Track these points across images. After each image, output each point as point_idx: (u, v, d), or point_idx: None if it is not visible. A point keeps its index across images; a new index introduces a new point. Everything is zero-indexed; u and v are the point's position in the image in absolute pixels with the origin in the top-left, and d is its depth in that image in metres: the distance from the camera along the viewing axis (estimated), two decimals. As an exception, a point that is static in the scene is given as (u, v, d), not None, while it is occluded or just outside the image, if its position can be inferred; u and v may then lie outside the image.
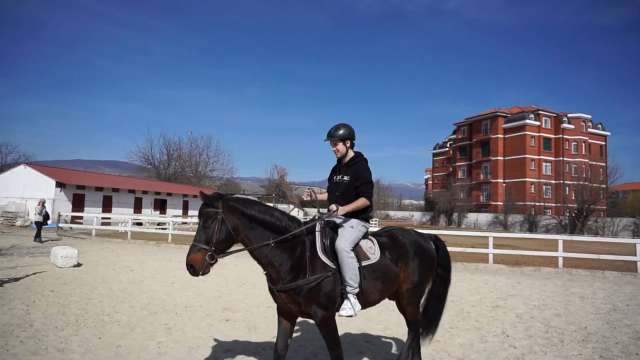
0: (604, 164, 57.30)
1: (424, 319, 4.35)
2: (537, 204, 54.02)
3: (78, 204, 30.08)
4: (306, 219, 4.02)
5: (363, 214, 4.00)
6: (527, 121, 63.40)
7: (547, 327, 6.45)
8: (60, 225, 23.44)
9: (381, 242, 4.04)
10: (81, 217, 27.50)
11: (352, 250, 3.75)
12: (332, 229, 3.90)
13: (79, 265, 11.17)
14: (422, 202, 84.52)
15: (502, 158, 65.82)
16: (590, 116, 67.34)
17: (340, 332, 4.99)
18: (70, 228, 24.73)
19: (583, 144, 65.17)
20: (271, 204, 3.90)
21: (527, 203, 58.32)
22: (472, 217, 57.44)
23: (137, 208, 35.51)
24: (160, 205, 38.52)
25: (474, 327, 6.32)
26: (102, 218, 26.74)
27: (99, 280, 9.28)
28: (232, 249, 3.64)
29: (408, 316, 4.22)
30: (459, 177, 72.28)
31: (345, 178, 4.05)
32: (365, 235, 4.02)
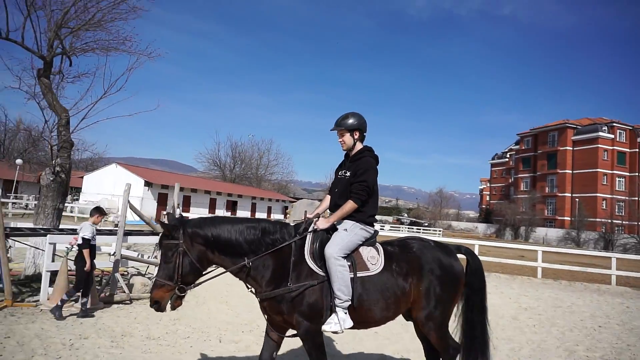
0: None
1: (463, 352, 3.64)
2: (614, 221, 51.21)
3: (162, 202, 32.80)
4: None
5: (361, 215, 3.49)
6: (600, 133, 60.33)
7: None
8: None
9: (389, 253, 3.53)
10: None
11: (344, 257, 3.30)
12: (326, 231, 3.46)
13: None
14: (468, 213, 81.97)
15: (570, 171, 63.01)
16: (671, 129, 62.93)
17: (353, 350, 5.24)
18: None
19: (662, 159, 61.04)
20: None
21: (598, 219, 55.45)
22: (541, 231, 55.28)
23: (212, 208, 38.01)
24: (232, 207, 40.89)
25: None
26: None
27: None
28: (208, 276, 3.32)
29: (434, 345, 3.59)
30: (521, 189, 69.93)
31: (347, 174, 3.58)
32: (371, 242, 3.55)
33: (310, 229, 3.42)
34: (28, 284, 7.46)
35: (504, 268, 16.83)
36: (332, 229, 3.47)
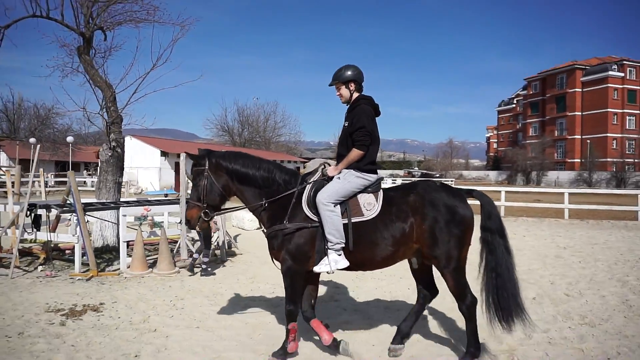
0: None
1: (487, 302, 3.56)
2: (626, 160, 51.25)
3: (179, 171, 33.18)
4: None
5: (356, 163, 3.62)
6: (610, 72, 59.20)
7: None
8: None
9: (389, 197, 3.64)
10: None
11: (334, 203, 3.48)
12: (327, 180, 3.66)
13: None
14: (473, 162, 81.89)
15: (579, 113, 62.38)
16: (683, 62, 61.63)
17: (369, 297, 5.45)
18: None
19: (674, 94, 60.17)
20: None
21: (608, 159, 55.48)
22: (552, 175, 55.42)
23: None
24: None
25: None
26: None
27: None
28: (231, 207, 3.95)
29: (451, 291, 3.63)
30: (530, 134, 69.63)
31: (346, 124, 3.76)
32: (374, 188, 3.66)
33: (317, 177, 3.68)
34: (99, 256, 7.88)
35: (529, 212, 17.24)
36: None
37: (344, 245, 3.46)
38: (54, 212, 7.04)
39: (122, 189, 8.38)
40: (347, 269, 3.56)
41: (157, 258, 7.09)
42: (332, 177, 3.64)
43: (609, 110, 59.24)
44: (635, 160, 54.58)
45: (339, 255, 3.45)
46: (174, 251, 7.67)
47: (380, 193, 3.66)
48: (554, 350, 3.97)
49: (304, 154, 78.56)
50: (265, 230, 3.74)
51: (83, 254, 6.78)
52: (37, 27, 8.34)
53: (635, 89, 60.50)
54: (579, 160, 59.95)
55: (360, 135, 3.58)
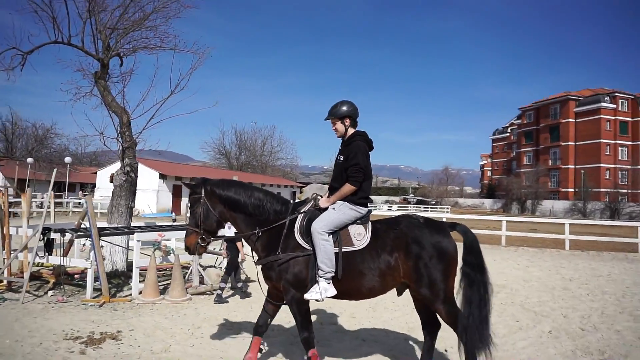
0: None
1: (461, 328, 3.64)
2: (619, 190, 51.87)
3: (177, 194, 33.12)
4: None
5: (351, 196, 3.76)
6: (603, 104, 60.50)
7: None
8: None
9: (376, 229, 3.77)
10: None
11: (328, 232, 3.61)
12: (319, 210, 3.80)
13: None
14: (466, 189, 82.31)
15: (573, 143, 63.40)
16: (672, 97, 63.24)
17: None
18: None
19: (664, 127, 61.47)
20: None
21: (602, 190, 56.10)
22: (547, 204, 55.88)
23: (224, 197, 38.33)
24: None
25: None
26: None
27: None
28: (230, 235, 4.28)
29: (443, 320, 3.75)
30: (524, 163, 70.46)
31: (341, 158, 3.89)
32: (363, 221, 3.81)
33: (309, 207, 3.83)
34: (109, 281, 7.79)
35: (528, 241, 17.34)
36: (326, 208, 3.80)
37: (334, 274, 3.58)
38: (67, 236, 7.01)
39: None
40: (334, 297, 3.67)
41: (166, 284, 7.06)
42: (324, 208, 3.78)
43: (601, 141, 60.26)
44: (628, 191, 55.22)
45: (329, 283, 3.58)
46: (185, 277, 7.62)
47: (369, 225, 3.80)
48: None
49: (299, 178, 78.71)
50: (255, 260, 3.91)
51: (95, 279, 6.73)
52: (52, 52, 8.50)
53: (627, 120, 61.79)
54: (572, 190, 60.51)
55: (354, 171, 3.73)
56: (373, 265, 3.62)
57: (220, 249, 8.83)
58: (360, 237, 3.69)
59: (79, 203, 33.35)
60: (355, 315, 6.24)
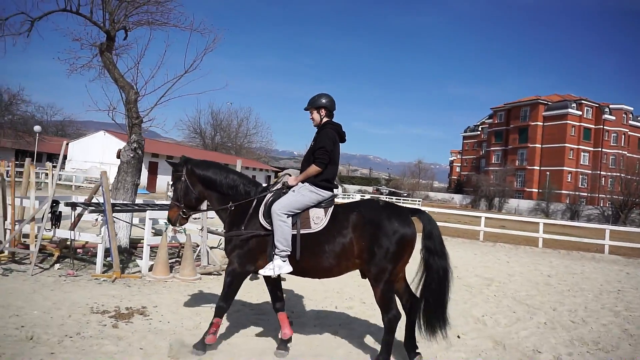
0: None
1: (424, 314, 3.94)
2: (580, 193, 54.64)
3: (153, 171, 32.46)
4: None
5: (315, 178, 3.98)
6: (570, 110, 63.23)
7: None
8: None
9: (336, 212, 3.96)
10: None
11: (287, 214, 3.82)
12: (285, 191, 4.03)
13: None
14: (435, 183, 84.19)
15: (539, 145, 66.05)
16: (632, 108, 66.84)
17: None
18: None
19: (623, 136, 64.88)
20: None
21: (563, 192, 58.92)
22: (513, 202, 58.22)
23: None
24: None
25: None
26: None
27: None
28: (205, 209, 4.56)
29: (375, 299, 3.89)
30: (493, 161, 72.87)
31: (312, 143, 4.19)
32: (327, 204, 3.99)
33: (277, 187, 4.09)
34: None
35: (503, 238, 18.17)
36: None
37: (289, 253, 3.83)
38: (77, 210, 6.92)
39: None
40: (294, 275, 3.99)
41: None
42: (290, 187, 4.03)
43: (566, 145, 63.08)
44: (587, 195, 58.26)
45: (284, 261, 3.83)
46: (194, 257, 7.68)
47: (331, 209, 3.99)
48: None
49: (270, 162, 78.42)
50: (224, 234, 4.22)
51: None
52: (55, 22, 8.21)
53: (590, 127, 64.83)
54: (536, 190, 63.29)
55: (320, 153, 3.98)
56: (329, 247, 3.82)
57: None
58: (319, 220, 3.89)
59: (46, 174, 32.16)
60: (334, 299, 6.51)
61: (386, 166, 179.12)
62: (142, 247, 8.30)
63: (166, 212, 7.17)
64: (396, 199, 52.80)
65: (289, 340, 4.28)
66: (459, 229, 19.06)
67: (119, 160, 8.24)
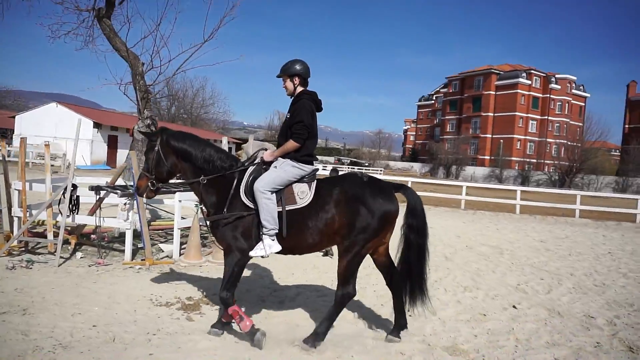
0: (581, 124, 61.53)
1: (405, 285, 4.03)
2: (528, 160, 57.88)
3: (113, 145, 30.67)
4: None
5: (294, 153, 3.83)
6: (520, 80, 65.92)
7: None
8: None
9: (319, 188, 3.86)
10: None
11: (271, 191, 3.69)
12: (264, 168, 3.87)
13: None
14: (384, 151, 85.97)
15: (492, 114, 68.76)
16: (575, 78, 70.70)
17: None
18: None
19: (567, 105, 68.84)
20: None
21: (514, 159, 62.10)
22: (469, 170, 60.68)
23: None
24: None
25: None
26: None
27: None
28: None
29: (337, 270, 3.85)
30: (447, 130, 75.21)
31: (288, 115, 3.98)
32: (309, 179, 3.88)
33: (256, 162, 3.91)
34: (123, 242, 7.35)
35: (482, 206, 18.99)
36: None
37: (277, 231, 3.71)
38: (101, 194, 6.41)
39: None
40: (280, 253, 3.83)
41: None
42: (268, 163, 3.88)
43: (516, 113, 66.09)
44: (535, 161, 61.83)
45: (273, 240, 3.70)
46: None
47: (314, 183, 3.88)
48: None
49: (236, 134, 76.67)
50: (207, 216, 3.97)
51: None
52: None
53: (538, 96, 68.14)
54: (488, 157, 66.29)
55: (298, 128, 3.80)
56: (314, 223, 3.73)
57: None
58: (304, 195, 3.78)
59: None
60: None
61: (339, 135, 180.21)
62: (156, 231, 7.97)
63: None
64: (357, 169, 53.51)
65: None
66: (441, 197, 19.68)
67: (132, 137, 7.64)
